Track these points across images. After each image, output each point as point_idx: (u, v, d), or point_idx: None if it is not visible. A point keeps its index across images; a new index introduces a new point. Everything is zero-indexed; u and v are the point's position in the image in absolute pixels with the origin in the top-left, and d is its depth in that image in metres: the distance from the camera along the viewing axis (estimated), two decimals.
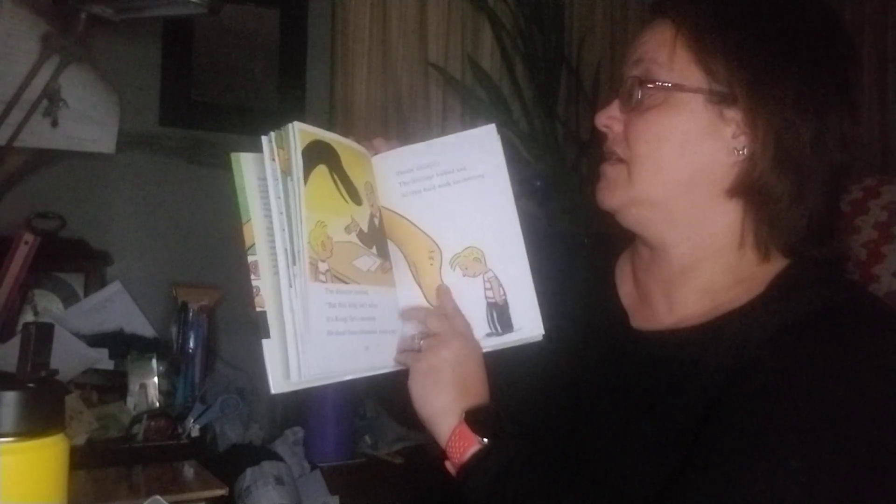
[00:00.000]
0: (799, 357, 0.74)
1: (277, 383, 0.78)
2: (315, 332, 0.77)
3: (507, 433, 0.80)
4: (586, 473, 0.80)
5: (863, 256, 1.75)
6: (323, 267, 0.79)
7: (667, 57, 0.82)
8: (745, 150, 0.81)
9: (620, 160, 0.85)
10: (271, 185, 0.79)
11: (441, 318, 0.85)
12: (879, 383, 0.72)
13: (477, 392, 0.83)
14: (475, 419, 0.80)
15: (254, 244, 0.80)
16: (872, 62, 2.88)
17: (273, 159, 0.79)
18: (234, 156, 0.82)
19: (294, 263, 0.77)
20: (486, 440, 0.79)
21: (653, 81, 0.82)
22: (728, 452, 0.72)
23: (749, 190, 0.81)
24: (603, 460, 0.82)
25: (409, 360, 0.83)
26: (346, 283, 0.81)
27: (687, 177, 0.82)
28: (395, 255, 0.89)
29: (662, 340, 0.86)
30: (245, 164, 0.82)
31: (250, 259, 0.80)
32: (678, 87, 0.81)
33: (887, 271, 1.74)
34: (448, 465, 0.81)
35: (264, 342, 0.79)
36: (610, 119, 0.86)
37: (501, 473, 0.77)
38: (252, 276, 0.80)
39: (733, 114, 0.81)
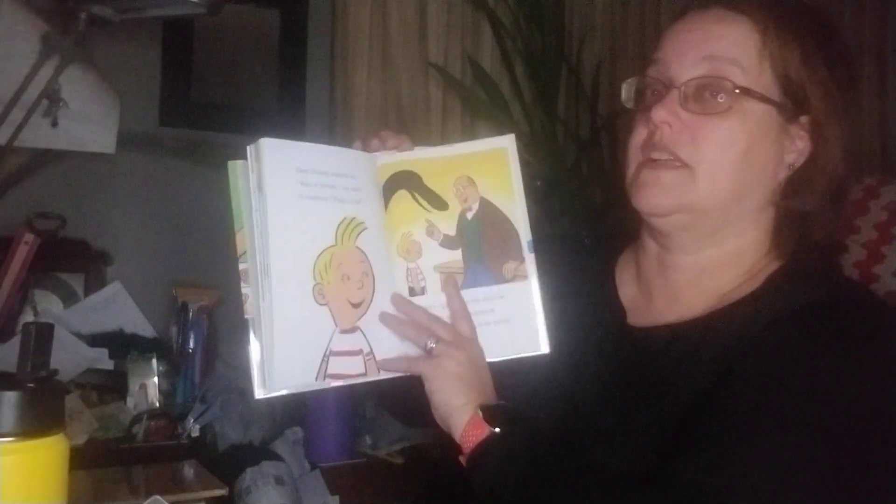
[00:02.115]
0: (796, 341, 0.75)
1: (258, 390, 0.81)
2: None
3: (517, 425, 0.81)
4: (586, 460, 0.81)
5: (863, 256, 1.76)
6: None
7: (751, 62, 0.80)
8: (795, 165, 0.82)
9: (682, 163, 0.81)
10: (254, 196, 0.80)
11: (445, 326, 0.86)
12: (873, 368, 0.73)
13: (490, 390, 0.84)
14: (489, 413, 0.81)
15: (245, 252, 0.81)
16: (872, 62, 2.88)
17: (253, 171, 0.80)
18: (230, 163, 0.82)
19: (265, 275, 0.79)
20: (496, 430, 0.80)
21: (739, 87, 0.79)
22: (722, 427, 0.73)
23: (791, 205, 0.82)
24: (600, 448, 0.83)
25: (424, 368, 0.83)
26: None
27: (745, 188, 0.82)
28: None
29: (658, 335, 0.86)
30: (240, 172, 0.82)
31: (241, 266, 0.81)
32: (761, 98, 0.79)
33: (887, 271, 1.74)
34: (461, 458, 0.82)
35: (250, 348, 0.80)
36: (671, 115, 0.81)
37: (507, 459, 0.78)
38: (242, 284, 0.81)
39: (793, 128, 0.81)
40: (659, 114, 0.81)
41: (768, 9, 0.81)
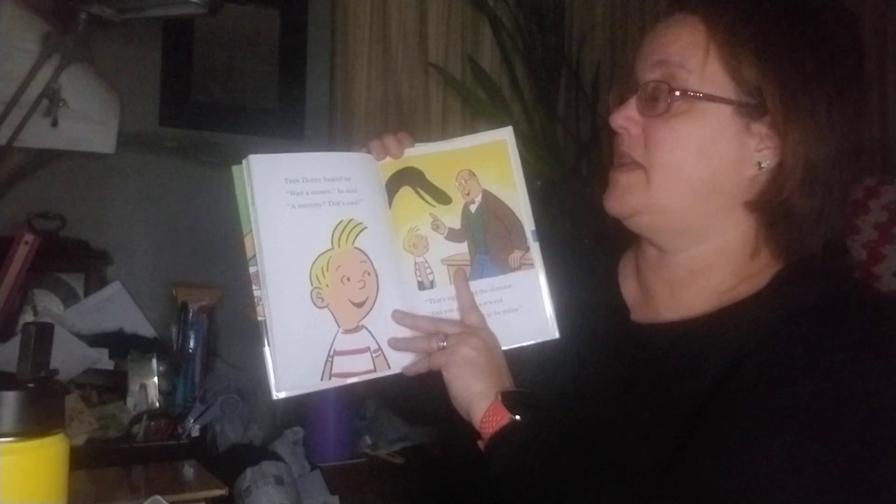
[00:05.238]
0: (801, 341, 0.74)
1: (272, 391, 0.82)
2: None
3: (537, 413, 0.81)
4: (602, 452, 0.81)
5: (863, 256, 1.76)
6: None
7: (697, 63, 0.79)
8: (768, 164, 0.80)
9: (637, 165, 0.83)
10: (250, 209, 0.83)
11: (452, 322, 0.88)
12: (881, 367, 0.73)
13: (507, 376, 0.85)
14: (509, 399, 0.81)
15: (254, 255, 0.82)
16: (872, 63, 2.88)
17: (247, 186, 0.83)
18: (235, 168, 0.84)
19: (263, 284, 0.82)
20: (517, 417, 0.80)
21: (682, 90, 0.79)
22: (730, 427, 0.73)
23: (770, 207, 0.80)
24: (605, 445, 0.83)
25: (440, 358, 0.84)
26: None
27: (706, 187, 0.81)
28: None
29: (664, 333, 0.86)
30: (244, 177, 0.84)
31: (251, 270, 0.83)
32: (709, 98, 0.79)
33: (887, 271, 1.74)
34: (480, 443, 0.82)
35: (265, 350, 0.82)
36: (627, 120, 0.83)
37: (526, 446, 0.78)
38: (253, 287, 0.83)
39: (759, 127, 0.79)
40: (615, 120, 0.84)
41: (722, 7, 0.80)
